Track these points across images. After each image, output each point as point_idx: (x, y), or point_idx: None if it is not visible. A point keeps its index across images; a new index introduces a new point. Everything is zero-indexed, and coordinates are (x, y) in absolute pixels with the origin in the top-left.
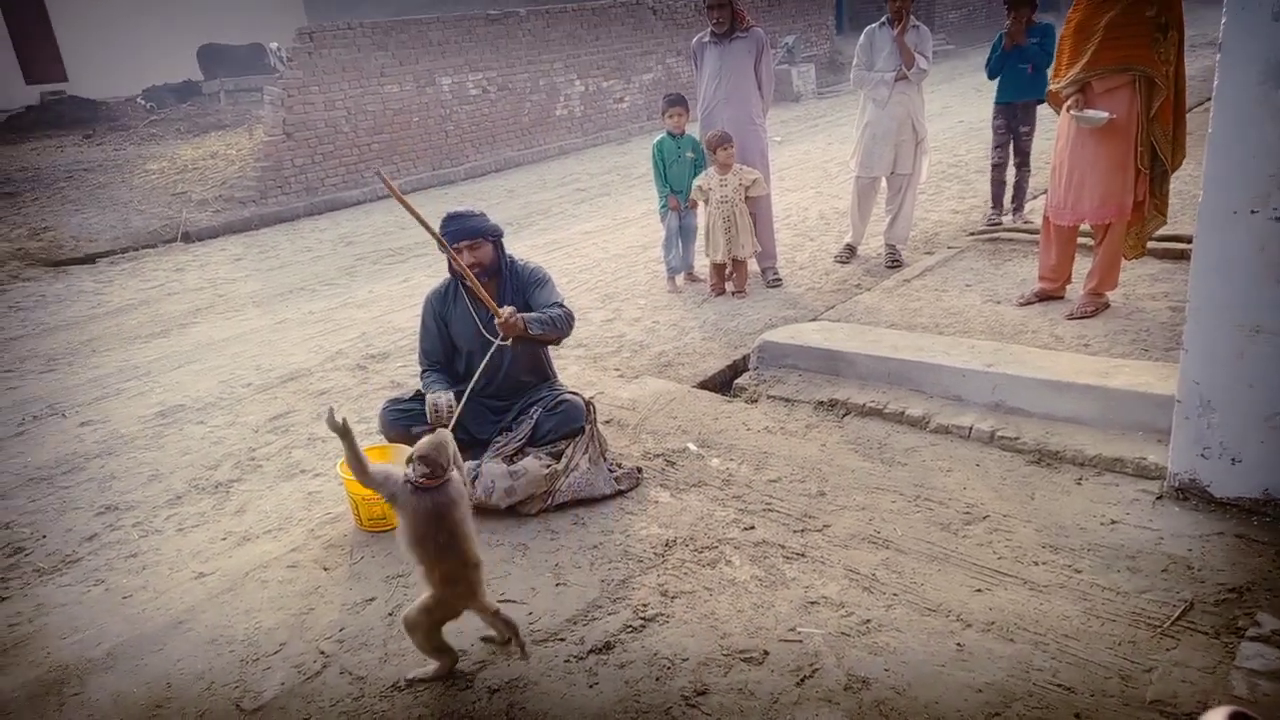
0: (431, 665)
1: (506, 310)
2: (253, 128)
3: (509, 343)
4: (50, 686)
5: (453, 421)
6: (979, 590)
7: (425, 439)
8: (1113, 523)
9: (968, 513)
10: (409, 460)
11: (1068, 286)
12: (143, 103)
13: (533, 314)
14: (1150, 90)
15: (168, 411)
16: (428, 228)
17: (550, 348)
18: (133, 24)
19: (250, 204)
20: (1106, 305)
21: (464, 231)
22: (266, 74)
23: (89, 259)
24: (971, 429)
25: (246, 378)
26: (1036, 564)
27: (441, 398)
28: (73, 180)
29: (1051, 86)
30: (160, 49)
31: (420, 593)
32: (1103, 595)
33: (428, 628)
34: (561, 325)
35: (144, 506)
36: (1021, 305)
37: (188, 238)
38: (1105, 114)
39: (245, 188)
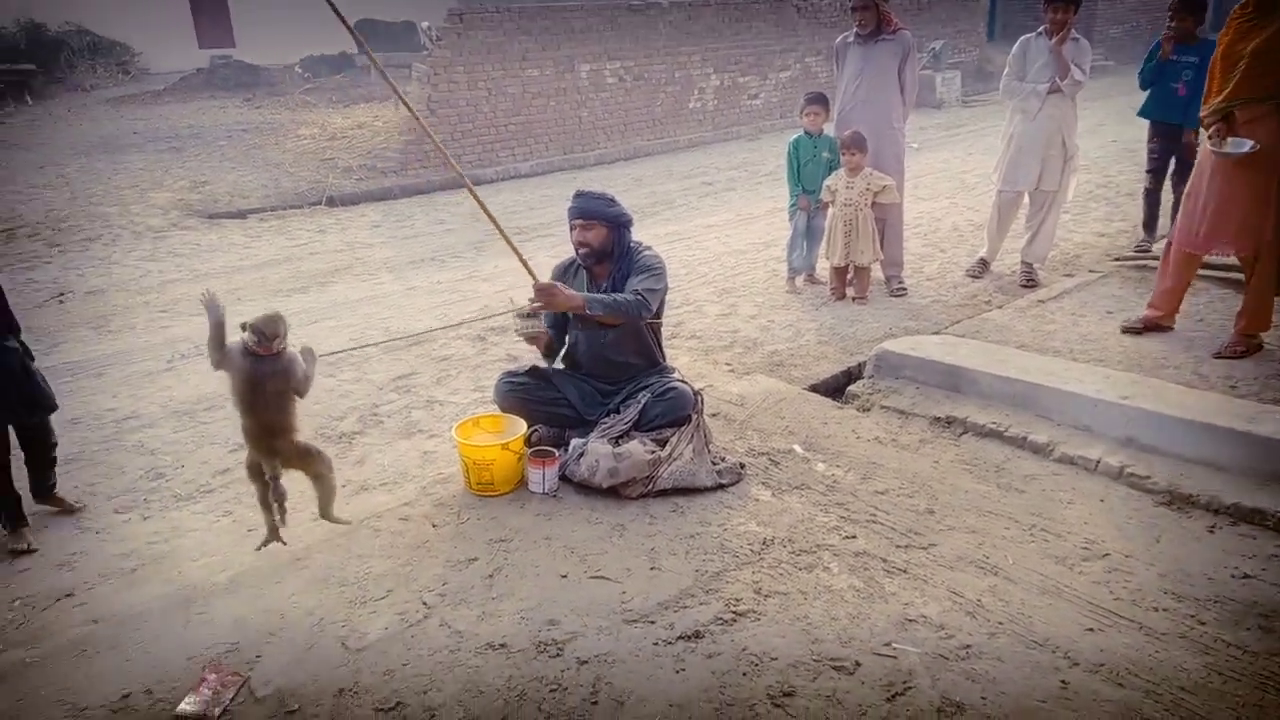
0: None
1: (545, 280)
2: (399, 102)
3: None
4: (181, 602)
5: (537, 341)
6: (1090, 629)
7: (262, 314)
8: (1245, 576)
9: (1086, 548)
10: (243, 326)
11: (1175, 318)
12: (300, 71)
13: (596, 295)
14: None
15: None
16: (511, 244)
17: (663, 333)
18: None
19: (391, 174)
20: (1259, 347)
21: (579, 210)
22: (416, 51)
23: (241, 214)
24: (1099, 462)
25: (375, 338)
26: (1156, 610)
27: (544, 326)
28: (232, 140)
29: (1201, 113)
30: (320, 21)
31: None
32: (1228, 651)
33: (248, 473)
34: (627, 309)
35: None
36: (1126, 332)
37: (332, 201)
38: (1249, 143)
39: (388, 158)
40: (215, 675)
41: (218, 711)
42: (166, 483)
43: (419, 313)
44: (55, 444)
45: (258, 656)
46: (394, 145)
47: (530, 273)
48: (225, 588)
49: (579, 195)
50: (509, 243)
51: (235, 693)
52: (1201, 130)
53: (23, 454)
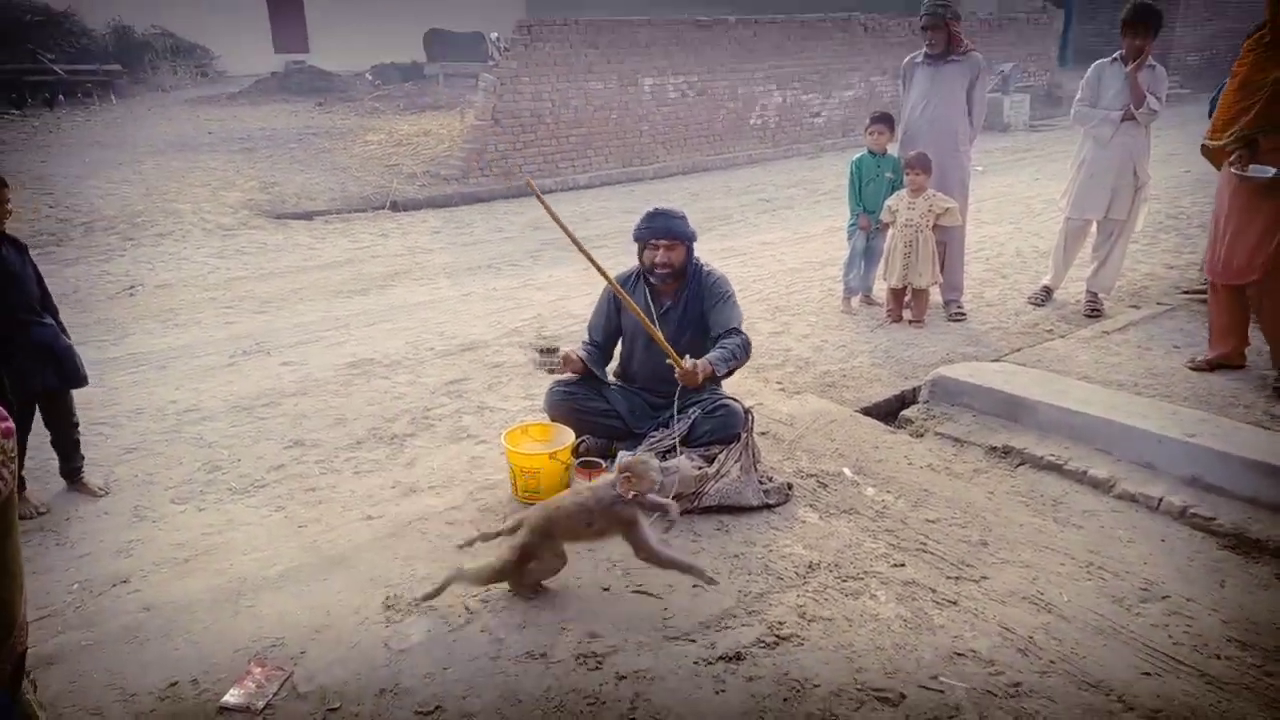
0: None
1: (689, 363)
2: (464, 111)
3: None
4: (230, 595)
5: (565, 369)
6: (1147, 674)
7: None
8: None
9: (1145, 589)
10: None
11: (1245, 354)
12: (370, 78)
13: (717, 354)
14: None
15: (358, 363)
16: (579, 246)
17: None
18: (371, 6)
19: (453, 181)
20: None
21: (664, 230)
22: (483, 61)
23: (308, 215)
24: (1161, 501)
25: (430, 342)
26: (1219, 657)
27: (577, 350)
28: (302, 143)
29: (1207, 142)
30: (391, 30)
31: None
32: None
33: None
34: (741, 357)
35: (327, 446)
36: (1193, 369)
37: (395, 206)
38: (1271, 170)
39: (451, 166)
40: (260, 669)
41: (261, 704)
42: (222, 475)
43: (474, 319)
44: (77, 423)
45: (302, 652)
46: (457, 153)
47: (674, 359)
48: (274, 583)
49: (659, 215)
50: (646, 324)
51: (279, 687)
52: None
53: (49, 433)
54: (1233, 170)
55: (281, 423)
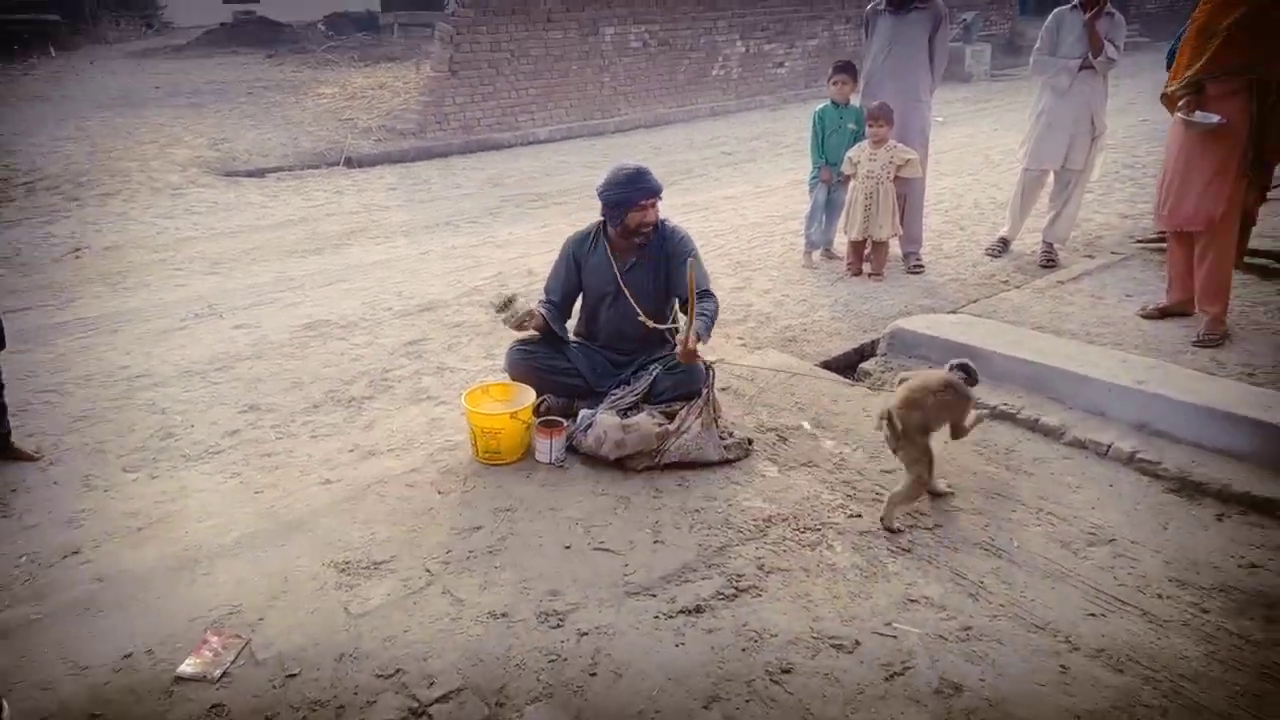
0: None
1: (692, 341)
2: (420, 63)
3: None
4: (185, 563)
5: (527, 324)
6: (1093, 615)
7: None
8: (1252, 566)
9: (1092, 533)
10: None
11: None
12: (323, 29)
13: (701, 324)
14: (1263, 94)
15: (314, 324)
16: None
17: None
18: None
19: (410, 136)
20: (1226, 334)
21: (654, 189)
22: (440, 10)
23: (259, 173)
24: (1110, 447)
25: (388, 302)
26: (1160, 597)
27: (536, 306)
28: (252, 97)
29: (1166, 89)
30: None
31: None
32: (1230, 641)
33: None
34: (715, 316)
35: (283, 410)
36: (1144, 317)
37: (350, 163)
38: (1215, 117)
39: (407, 120)
40: (217, 637)
41: (218, 673)
42: (176, 442)
43: (432, 278)
44: (2, 385)
45: (260, 619)
46: (413, 107)
47: (685, 341)
48: (230, 550)
49: (645, 173)
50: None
51: (236, 655)
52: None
53: None
54: (1180, 116)
55: (236, 387)
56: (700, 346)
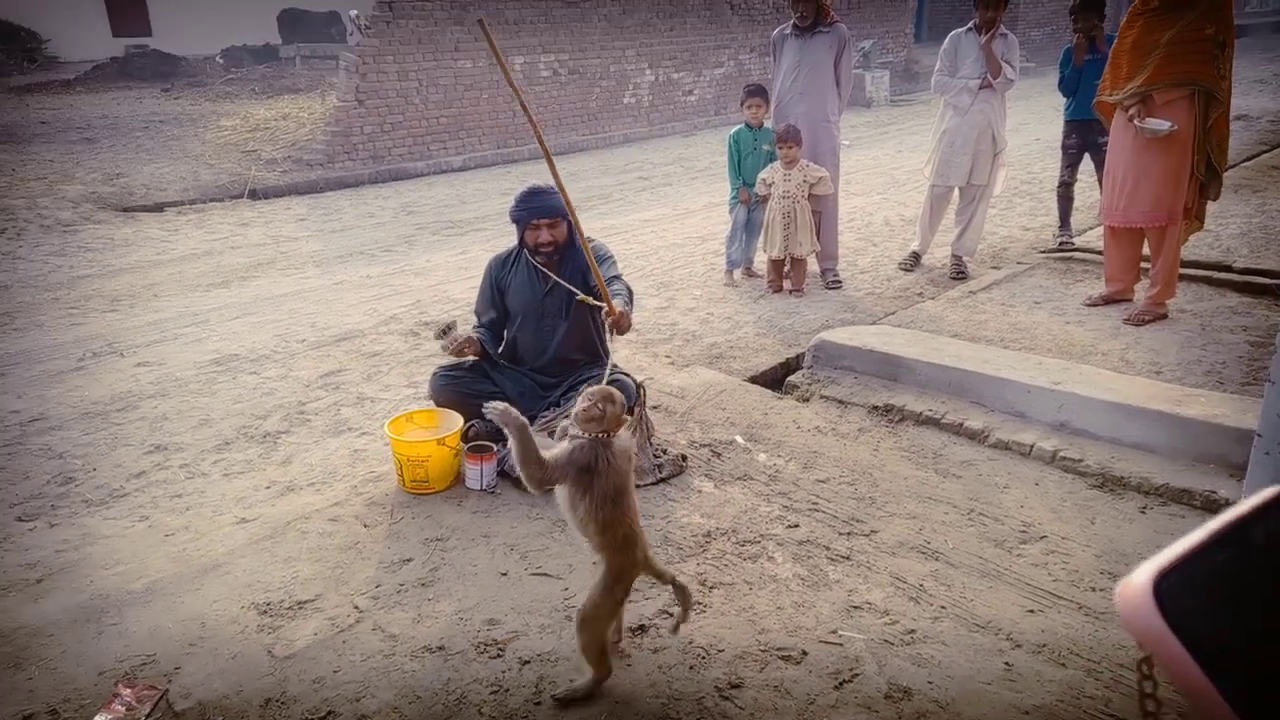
0: (586, 677)
1: (619, 307)
2: (325, 93)
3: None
4: (91, 614)
5: (466, 350)
6: (1031, 611)
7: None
8: None
9: (1024, 531)
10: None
11: (1136, 289)
12: (220, 62)
13: (619, 300)
14: (1208, 103)
15: (223, 360)
16: (518, 95)
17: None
18: None
19: (318, 167)
20: (1164, 315)
21: (546, 209)
22: (342, 42)
23: (158, 207)
24: (1033, 447)
25: (301, 334)
26: (1094, 590)
27: (469, 331)
28: (148, 131)
29: (1103, 98)
30: (242, 10)
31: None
32: None
33: (609, 611)
34: (631, 299)
35: (192, 449)
36: (1089, 306)
37: (254, 195)
38: (1168, 124)
39: (314, 151)
40: (129, 690)
41: None
42: (76, 487)
43: (348, 308)
44: None
45: (176, 668)
46: (320, 137)
47: (610, 306)
48: (140, 597)
49: (536, 193)
50: (593, 265)
51: (152, 707)
52: (1119, 110)
53: None
54: (1134, 124)
55: (140, 427)
56: (631, 335)
